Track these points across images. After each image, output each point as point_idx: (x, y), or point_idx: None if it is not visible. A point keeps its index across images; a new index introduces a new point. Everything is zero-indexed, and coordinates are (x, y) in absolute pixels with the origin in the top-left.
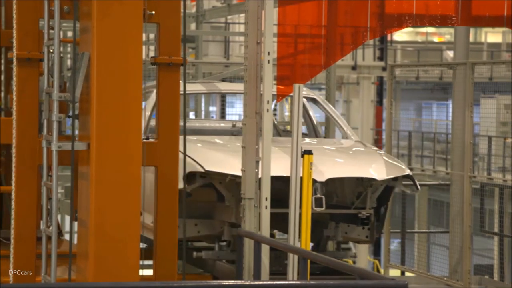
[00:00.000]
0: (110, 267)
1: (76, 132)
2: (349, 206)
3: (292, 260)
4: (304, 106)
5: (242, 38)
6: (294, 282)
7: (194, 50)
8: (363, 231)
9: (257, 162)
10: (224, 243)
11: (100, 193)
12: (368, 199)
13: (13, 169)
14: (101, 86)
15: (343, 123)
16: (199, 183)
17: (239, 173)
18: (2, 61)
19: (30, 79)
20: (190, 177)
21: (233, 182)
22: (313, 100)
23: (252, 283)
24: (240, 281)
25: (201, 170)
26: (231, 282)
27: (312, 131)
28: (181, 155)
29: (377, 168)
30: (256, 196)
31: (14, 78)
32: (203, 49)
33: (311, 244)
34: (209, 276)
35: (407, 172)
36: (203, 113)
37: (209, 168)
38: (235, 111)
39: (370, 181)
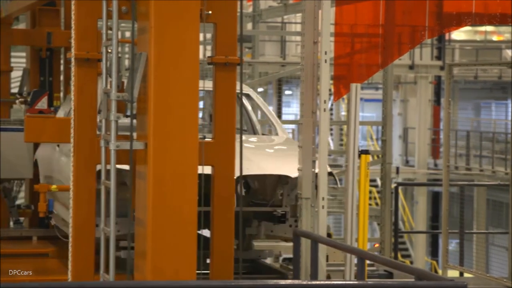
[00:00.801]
0: (168, 266)
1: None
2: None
3: (350, 260)
4: (243, 103)
5: (298, 38)
6: (352, 282)
7: (250, 50)
8: (290, 229)
9: (314, 162)
10: None
11: (157, 192)
12: (284, 197)
13: (72, 168)
14: (158, 86)
15: (275, 120)
16: None
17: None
18: (61, 61)
19: (89, 79)
20: None
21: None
22: (246, 96)
23: (309, 283)
24: (297, 281)
25: None
26: (288, 282)
27: (251, 128)
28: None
29: (292, 165)
30: (313, 195)
31: (73, 78)
32: (260, 49)
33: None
34: (130, 276)
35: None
36: (259, 112)
37: None
38: (292, 111)
39: (286, 179)
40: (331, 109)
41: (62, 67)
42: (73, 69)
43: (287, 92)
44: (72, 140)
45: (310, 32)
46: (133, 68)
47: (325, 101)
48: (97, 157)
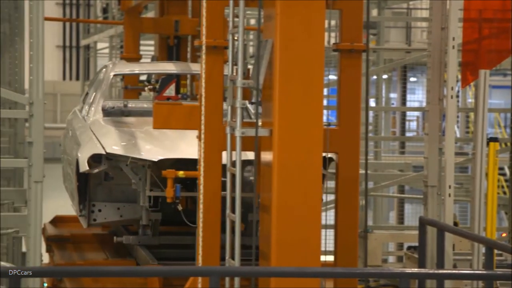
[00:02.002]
0: (292, 252)
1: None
2: None
3: (477, 250)
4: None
5: (424, 24)
6: (480, 272)
7: (375, 36)
8: None
9: (440, 149)
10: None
11: (282, 179)
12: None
13: (201, 155)
14: (284, 73)
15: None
16: (106, 165)
17: (141, 156)
18: (189, 49)
19: (216, 66)
20: (97, 159)
21: (141, 165)
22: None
23: (435, 271)
24: (424, 269)
25: (103, 152)
26: (415, 270)
27: None
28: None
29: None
30: (440, 184)
31: (202, 66)
32: (385, 35)
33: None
34: (132, 262)
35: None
36: (383, 99)
37: (110, 150)
38: (416, 98)
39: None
40: (457, 96)
41: (188, 55)
42: (202, 56)
43: (412, 79)
44: (201, 127)
45: (438, 18)
46: (259, 55)
47: (452, 88)
48: (223, 143)
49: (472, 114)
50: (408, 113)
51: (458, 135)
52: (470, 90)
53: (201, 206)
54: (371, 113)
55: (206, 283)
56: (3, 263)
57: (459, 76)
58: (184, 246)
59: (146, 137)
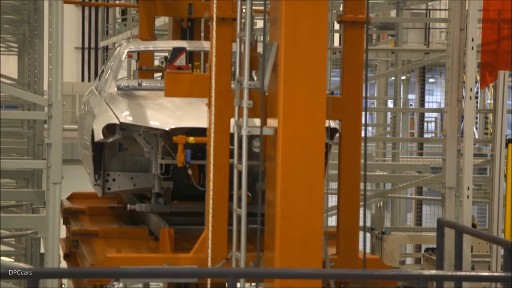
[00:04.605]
0: (295, 247)
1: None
2: None
3: (496, 252)
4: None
5: (443, 25)
6: (498, 274)
7: (393, 37)
8: None
9: (459, 151)
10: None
11: (286, 177)
12: None
13: (211, 121)
14: (288, 75)
15: None
16: (119, 135)
17: (153, 125)
18: (202, 31)
19: (225, 36)
20: (111, 129)
21: (153, 135)
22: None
23: (454, 273)
24: (442, 271)
25: (117, 122)
26: (433, 272)
27: None
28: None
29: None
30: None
31: (213, 35)
32: (403, 36)
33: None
34: (145, 229)
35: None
36: (401, 101)
37: (124, 120)
38: (435, 99)
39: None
40: (476, 97)
41: (202, 37)
42: (212, 27)
43: (430, 80)
44: (211, 121)
45: (457, 19)
46: (265, 58)
47: (471, 89)
48: (231, 111)
49: (490, 115)
50: (426, 114)
51: (476, 136)
52: (489, 91)
53: (211, 167)
54: (389, 114)
55: (214, 244)
56: (21, 264)
57: (478, 77)
58: (195, 214)
59: (159, 108)
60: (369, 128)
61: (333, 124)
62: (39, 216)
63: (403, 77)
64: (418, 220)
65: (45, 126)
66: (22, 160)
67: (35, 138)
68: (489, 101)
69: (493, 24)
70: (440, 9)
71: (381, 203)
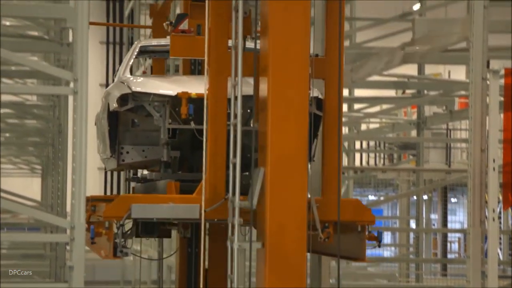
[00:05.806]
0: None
1: None
2: None
3: None
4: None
5: (464, 144)
6: None
7: (414, 157)
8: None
9: (483, 272)
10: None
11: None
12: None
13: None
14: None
15: None
16: (132, 104)
17: (163, 92)
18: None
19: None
20: (124, 100)
21: (161, 104)
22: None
23: None
24: None
25: (129, 91)
26: None
27: None
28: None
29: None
30: None
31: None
32: (424, 156)
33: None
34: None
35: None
36: (424, 221)
37: (136, 88)
38: (457, 219)
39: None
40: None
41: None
42: None
43: (452, 199)
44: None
45: (478, 140)
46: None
47: (493, 210)
48: (228, 70)
49: None
50: (449, 234)
51: (501, 258)
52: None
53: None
54: (411, 235)
55: (213, 187)
56: None
57: (501, 197)
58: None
59: (167, 80)
60: (392, 248)
61: (316, 93)
62: None
63: (425, 197)
64: None
65: (67, 248)
66: (43, 283)
67: (57, 261)
68: None
69: None
70: (460, 129)
71: None
